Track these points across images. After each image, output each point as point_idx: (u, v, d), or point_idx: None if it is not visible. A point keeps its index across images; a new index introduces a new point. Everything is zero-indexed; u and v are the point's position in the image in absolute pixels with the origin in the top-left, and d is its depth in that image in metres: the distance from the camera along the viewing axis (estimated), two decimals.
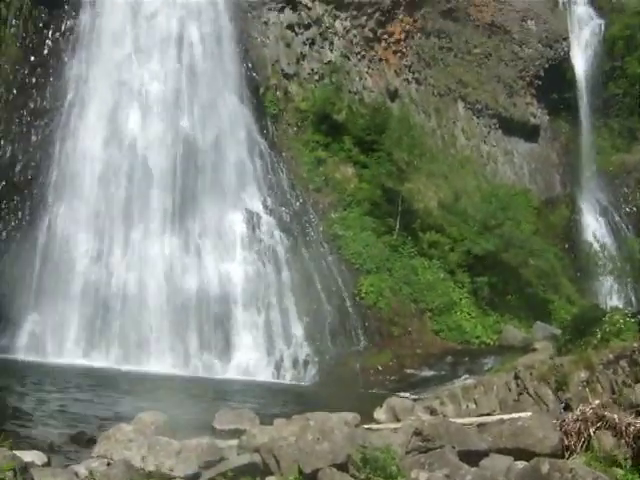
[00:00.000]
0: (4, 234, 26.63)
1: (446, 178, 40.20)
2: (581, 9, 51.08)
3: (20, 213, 27.11)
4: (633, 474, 10.16)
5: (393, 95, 40.29)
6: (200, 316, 26.56)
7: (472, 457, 11.03)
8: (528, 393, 14.35)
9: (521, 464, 10.60)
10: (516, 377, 14.83)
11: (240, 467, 10.64)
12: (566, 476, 9.22)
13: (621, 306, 31.86)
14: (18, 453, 9.56)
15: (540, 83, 46.73)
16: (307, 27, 37.31)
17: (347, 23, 38.79)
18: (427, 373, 26.35)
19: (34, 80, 29.02)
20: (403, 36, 41.02)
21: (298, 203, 31.89)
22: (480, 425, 12.80)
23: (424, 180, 38.40)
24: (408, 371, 26.59)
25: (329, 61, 37.79)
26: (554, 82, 46.54)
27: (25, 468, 9.01)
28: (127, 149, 28.09)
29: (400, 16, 40.67)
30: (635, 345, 13.84)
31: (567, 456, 11.02)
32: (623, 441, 10.80)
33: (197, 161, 28.54)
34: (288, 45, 36.57)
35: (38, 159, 27.72)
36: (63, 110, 28.44)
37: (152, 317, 26.10)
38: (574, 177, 46.41)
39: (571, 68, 48.16)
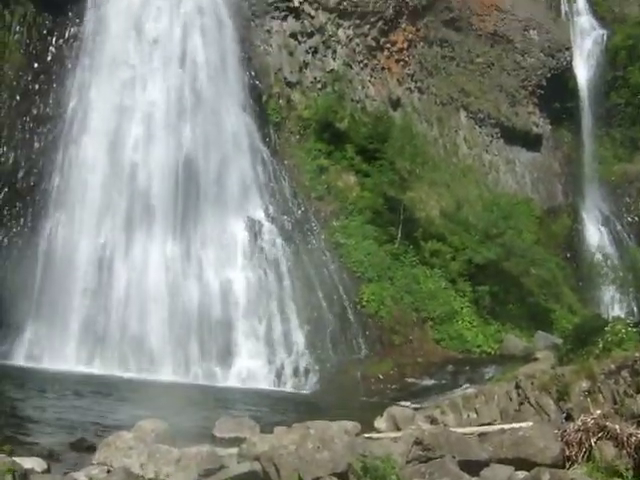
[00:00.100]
0: (6, 240, 26.63)
1: (448, 187, 40.21)
2: (583, 19, 51.32)
3: (22, 220, 27.11)
4: None
5: (395, 104, 40.33)
6: (201, 324, 26.50)
7: (473, 467, 11.00)
8: (529, 403, 14.29)
9: (522, 474, 10.60)
10: (517, 387, 14.76)
11: (240, 475, 10.64)
12: None
13: (623, 316, 31.75)
14: (18, 460, 9.57)
15: (542, 92, 46.79)
16: (310, 35, 37.38)
17: (350, 32, 38.84)
18: (428, 382, 26.25)
19: (37, 87, 29.07)
20: (406, 45, 41.10)
21: (300, 211, 31.87)
22: (481, 435, 12.75)
23: (426, 189, 38.41)
24: (409, 380, 26.52)
25: (332, 69, 37.81)
26: (556, 92, 46.61)
27: (25, 475, 9.02)
28: (130, 156, 28.10)
29: (403, 25, 40.78)
30: (637, 355, 13.74)
31: (568, 466, 11.00)
32: (624, 452, 10.77)
33: (199, 169, 28.55)
34: (291, 53, 36.64)
35: (41, 166, 27.73)
36: (66, 117, 28.42)
37: (153, 325, 26.08)
38: (576, 186, 46.46)
39: (573, 78, 48.27)
